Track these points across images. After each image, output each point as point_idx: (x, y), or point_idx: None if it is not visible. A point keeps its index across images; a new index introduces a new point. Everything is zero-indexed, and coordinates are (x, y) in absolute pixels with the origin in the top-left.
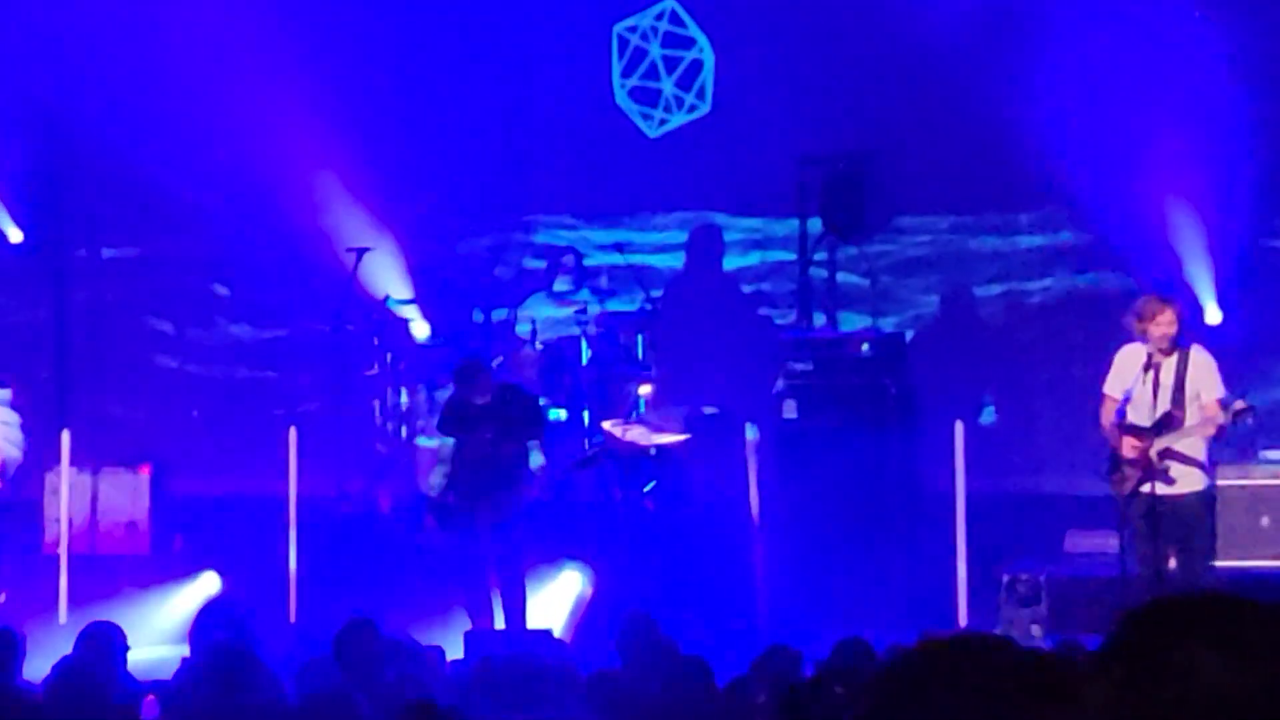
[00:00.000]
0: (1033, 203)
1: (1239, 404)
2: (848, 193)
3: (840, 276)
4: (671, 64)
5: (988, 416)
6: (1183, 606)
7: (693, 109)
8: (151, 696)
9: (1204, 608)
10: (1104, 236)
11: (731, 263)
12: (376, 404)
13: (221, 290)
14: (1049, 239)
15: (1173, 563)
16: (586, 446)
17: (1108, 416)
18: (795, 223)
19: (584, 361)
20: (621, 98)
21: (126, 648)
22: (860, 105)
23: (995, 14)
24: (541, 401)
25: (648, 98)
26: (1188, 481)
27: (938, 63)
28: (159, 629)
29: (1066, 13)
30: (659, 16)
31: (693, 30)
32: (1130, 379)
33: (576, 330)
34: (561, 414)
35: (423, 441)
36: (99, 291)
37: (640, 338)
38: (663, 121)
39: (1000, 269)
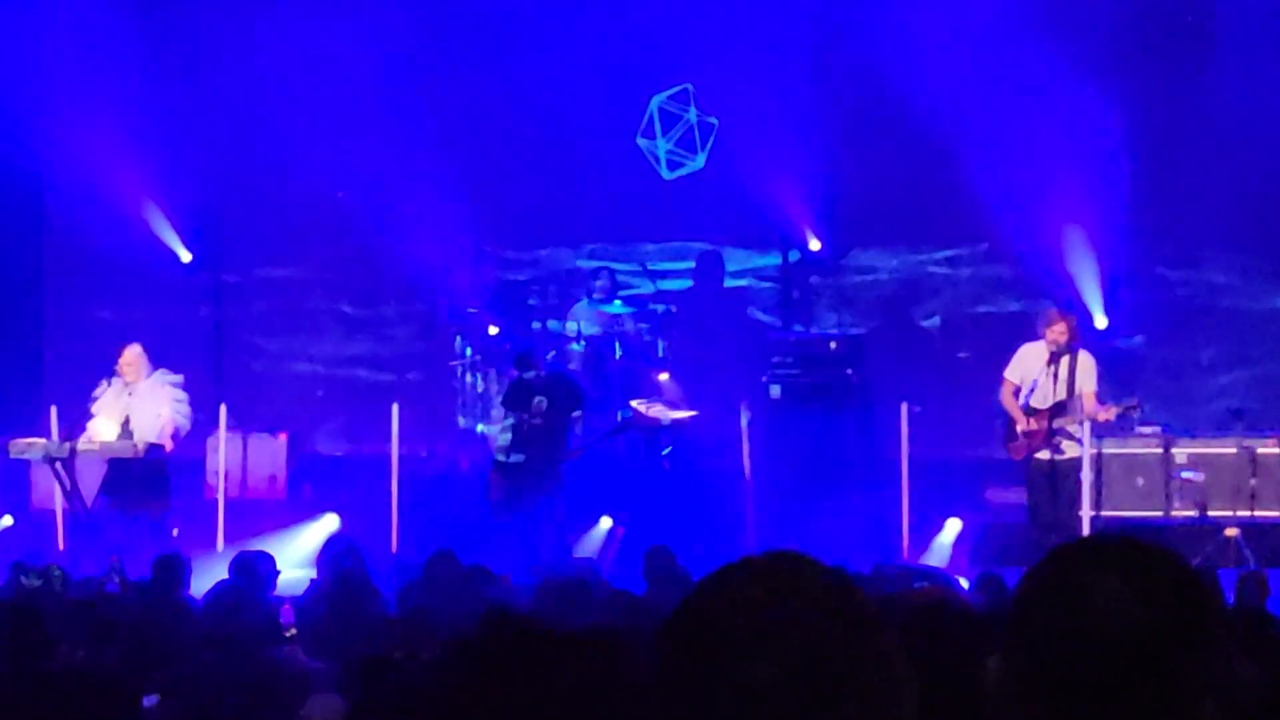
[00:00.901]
0: (964, 235)
1: (1130, 401)
2: (821, 227)
3: (814, 291)
4: (686, 129)
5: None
6: (1092, 545)
7: (690, 162)
8: (288, 605)
9: (1110, 546)
10: (1020, 263)
11: (729, 281)
12: (459, 386)
13: (346, 308)
14: (974, 263)
15: (1063, 511)
16: (618, 419)
17: (1007, 397)
18: (778, 251)
19: (617, 355)
20: (645, 146)
21: (273, 571)
22: (833, 157)
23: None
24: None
25: (671, 157)
26: (1072, 450)
27: (893, 125)
28: (293, 557)
29: (994, 89)
30: (679, 95)
31: (696, 108)
32: (1031, 370)
33: (611, 331)
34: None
35: (481, 428)
36: (247, 305)
37: (659, 337)
38: (676, 166)
39: (937, 287)
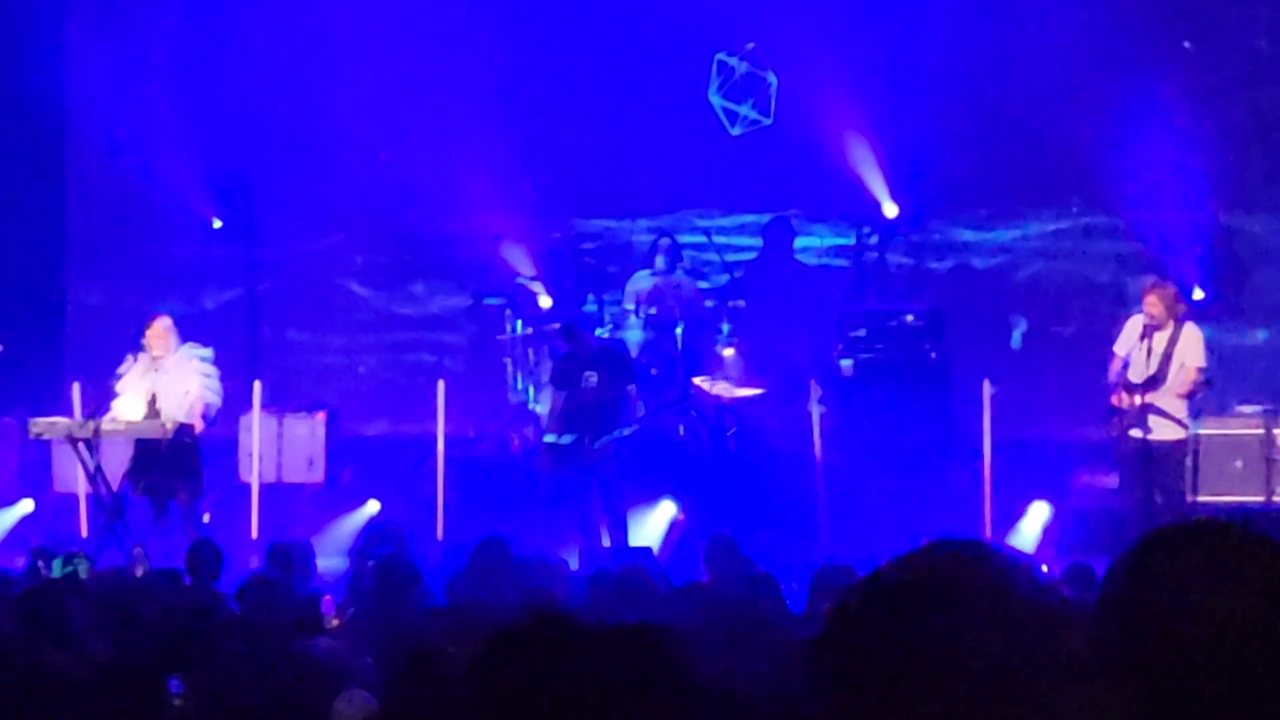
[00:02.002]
0: (1055, 203)
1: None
2: (899, 194)
3: (890, 260)
4: (749, 87)
5: (1017, 340)
6: (1184, 531)
7: (758, 122)
8: (329, 596)
9: (1204, 532)
10: (1115, 232)
11: (799, 251)
12: (508, 362)
13: (389, 280)
14: (1065, 232)
15: (1159, 498)
16: (689, 392)
17: (1114, 371)
18: (853, 218)
19: (678, 329)
20: (715, 100)
21: (312, 557)
22: (905, 118)
23: (1015, 38)
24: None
25: (730, 112)
26: (1166, 431)
27: (968, 81)
28: (332, 544)
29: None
30: (743, 53)
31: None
32: (1130, 344)
33: (672, 303)
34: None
35: (534, 407)
36: (282, 275)
37: (724, 310)
38: (748, 124)
39: (1025, 258)
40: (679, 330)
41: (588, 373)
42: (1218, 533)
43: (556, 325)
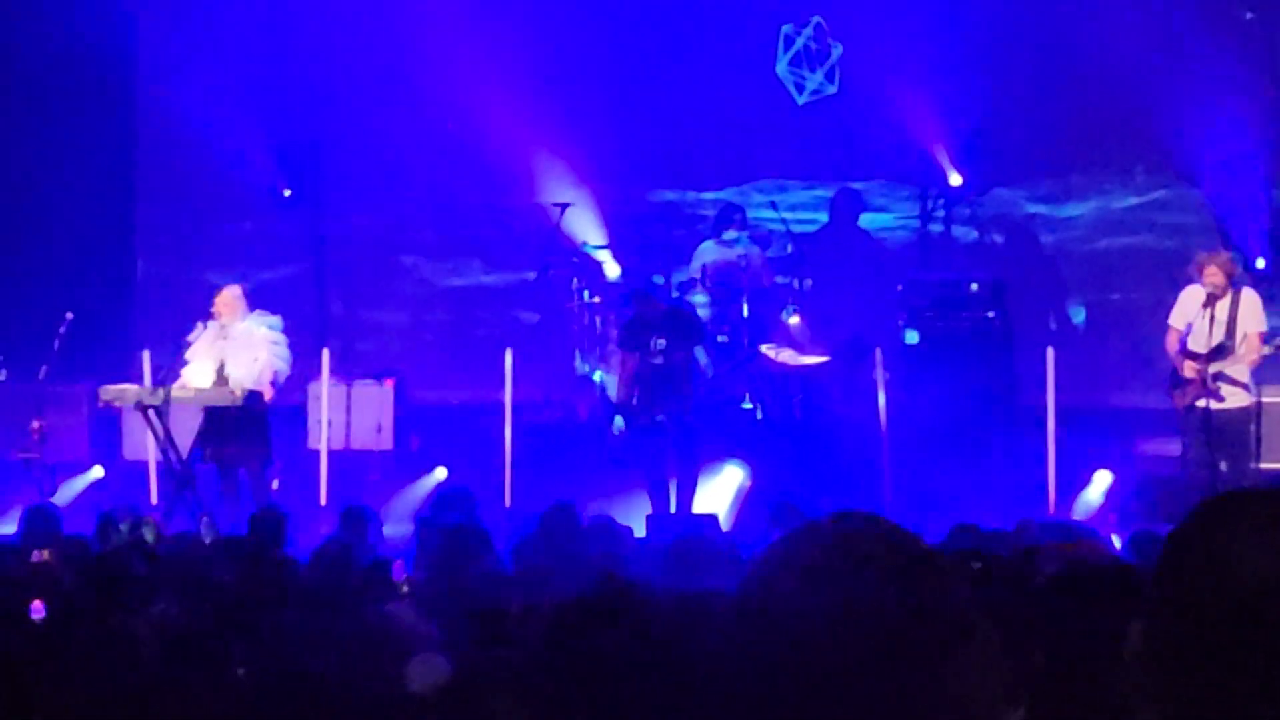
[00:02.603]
0: (1116, 170)
1: (1278, 339)
2: (963, 163)
3: (954, 230)
4: (816, 57)
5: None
6: (1243, 498)
7: (824, 91)
8: (400, 561)
9: (1262, 500)
10: (1177, 198)
11: (866, 219)
12: (576, 329)
13: (457, 248)
14: (1127, 198)
15: (1224, 465)
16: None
17: (1172, 343)
18: (917, 188)
19: (744, 298)
20: (782, 71)
21: (380, 523)
22: (965, 90)
23: (1078, 7)
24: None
25: (798, 80)
26: (1235, 399)
27: (1030, 52)
28: (401, 511)
29: (1131, 14)
30: (808, 24)
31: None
32: (1190, 314)
33: (739, 272)
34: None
35: (599, 376)
36: (350, 245)
37: (790, 278)
38: (813, 93)
39: (1088, 225)
40: (744, 300)
41: (656, 337)
42: (1275, 498)
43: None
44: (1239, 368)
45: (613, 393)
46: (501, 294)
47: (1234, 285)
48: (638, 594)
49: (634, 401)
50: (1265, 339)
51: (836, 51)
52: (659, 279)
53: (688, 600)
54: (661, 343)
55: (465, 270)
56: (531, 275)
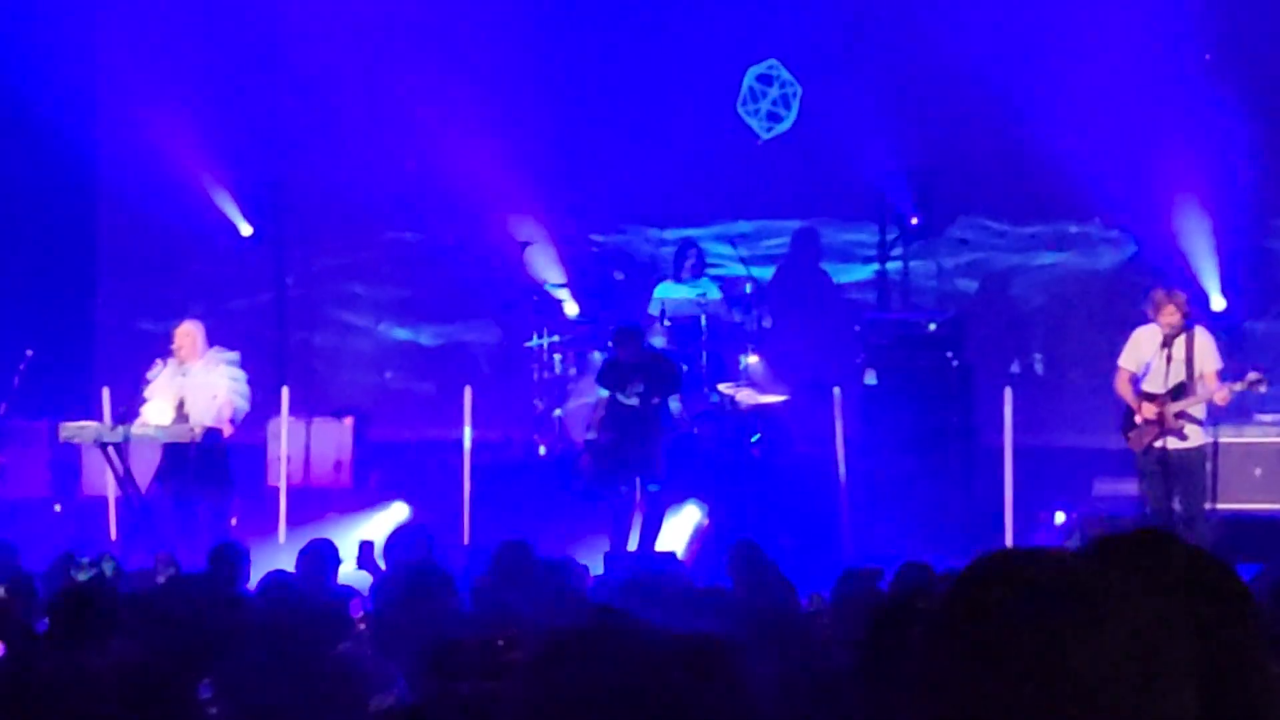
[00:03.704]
0: (1072, 210)
1: (1253, 375)
2: (920, 203)
3: (913, 270)
4: (775, 96)
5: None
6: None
7: (782, 127)
8: (358, 599)
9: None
10: (1133, 239)
11: (825, 258)
12: (535, 368)
13: (416, 286)
14: (1083, 239)
15: (1178, 505)
16: (712, 399)
17: (1123, 384)
18: (875, 227)
19: (703, 336)
20: (743, 110)
21: (338, 560)
22: (925, 129)
23: (1029, 48)
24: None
25: (761, 117)
26: (1195, 437)
27: (985, 93)
28: (359, 546)
29: (1087, 49)
30: (770, 68)
31: (789, 77)
32: (1145, 354)
33: (697, 311)
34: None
35: (558, 413)
36: (311, 281)
37: (748, 317)
38: (773, 130)
39: (1043, 266)
40: (703, 339)
41: (635, 381)
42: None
43: (590, 327)
44: (1199, 406)
45: (574, 430)
46: (462, 333)
47: (1188, 324)
48: (629, 627)
49: (603, 440)
50: (1221, 377)
51: (797, 91)
52: (619, 275)
53: (686, 640)
54: (639, 387)
55: (425, 308)
56: (492, 312)
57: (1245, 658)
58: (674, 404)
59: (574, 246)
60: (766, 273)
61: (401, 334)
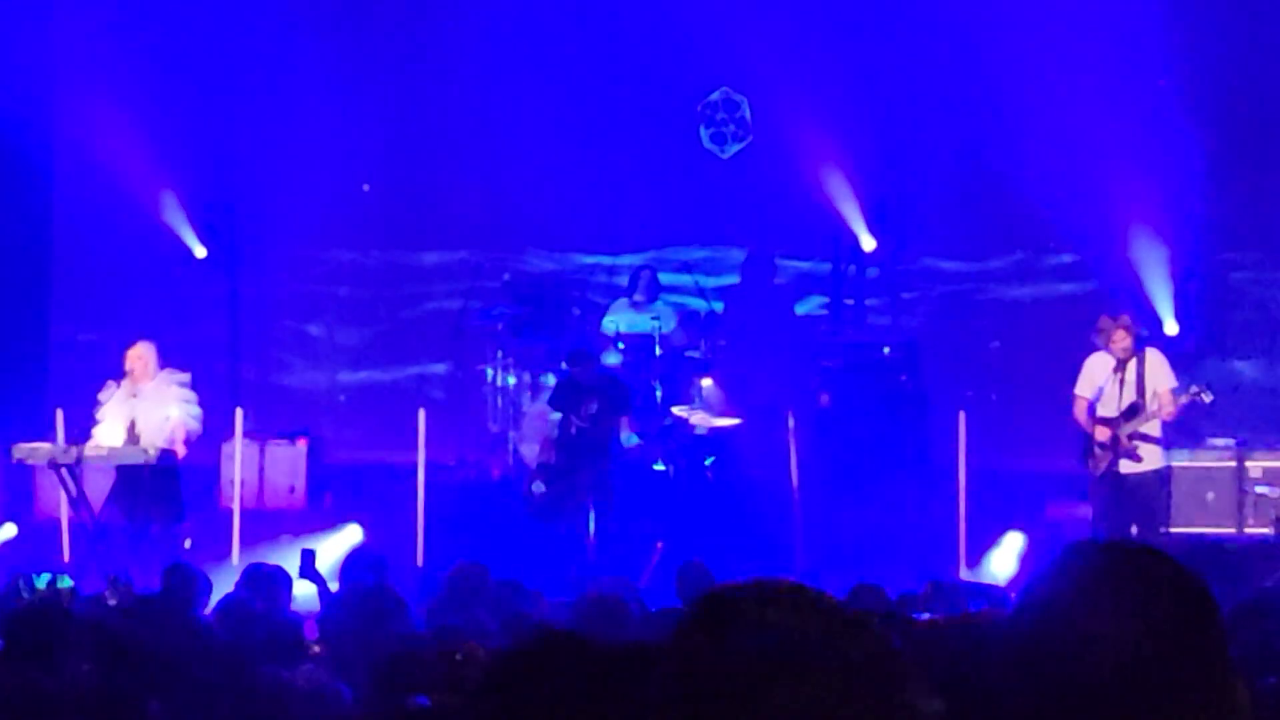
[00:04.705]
0: (1027, 238)
1: (1195, 388)
2: (876, 228)
3: (867, 293)
4: (729, 120)
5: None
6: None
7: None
8: (311, 621)
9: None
10: (1087, 266)
11: (779, 282)
12: (489, 390)
13: (371, 309)
14: (1037, 266)
15: (1134, 529)
16: (667, 421)
17: (1081, 412)
18: (830, 252)
19: (656, 358)
20: (704, 140)
21: (290, 583)
22: (880, 155)
23: (985, 80)
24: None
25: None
26: (1151, 459)
27: (944, 118)
28: (310, 568)
29: (1042, 81)
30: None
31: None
32: (1099, 380)
33: (650, 334)
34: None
35: (526, 426)
36: (265, 302)
37: (703, 340)
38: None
39: (997, 291)
40: (657, 361)
41: (589, 402)
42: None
43: (545, 348)
44: (1153, 424)
45: (527, 453)
46: (416, 356)
47: (1138, 347)
48: (586, 645)
49: (554, 461)
50: (1176, 393)
51: (747, 115)
52: (577, 311)
53: (636, 651)
54: (594, 407)
55: (378, 330)
56: (445, 333)
57: (1213, 671)
58: (630, 438)
59: (523, 272)
60: (721, 295)
61: (354, 356)
